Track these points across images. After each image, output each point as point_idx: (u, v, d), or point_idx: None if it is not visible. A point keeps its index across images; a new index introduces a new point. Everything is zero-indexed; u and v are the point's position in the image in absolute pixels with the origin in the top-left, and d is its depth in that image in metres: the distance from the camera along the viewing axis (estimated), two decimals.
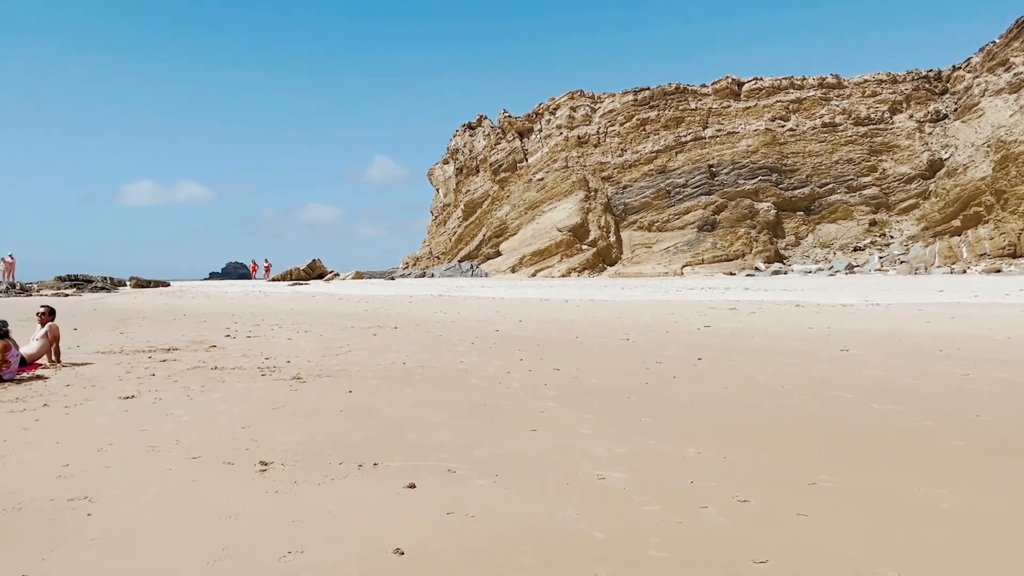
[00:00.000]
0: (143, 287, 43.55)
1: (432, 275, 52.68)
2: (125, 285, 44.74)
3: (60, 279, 43.96)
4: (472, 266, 53.78)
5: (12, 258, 46.03)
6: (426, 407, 7.57)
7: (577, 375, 9.59)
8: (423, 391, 8.56)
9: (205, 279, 57.63)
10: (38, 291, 39.85)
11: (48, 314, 11.35)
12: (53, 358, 11.11)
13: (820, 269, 40.48)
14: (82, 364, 11.21)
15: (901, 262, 38.69)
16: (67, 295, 37.23)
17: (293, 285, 41.63)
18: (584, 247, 50.51)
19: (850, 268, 39.11)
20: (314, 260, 52.30)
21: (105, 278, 45.37)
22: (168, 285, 45.77)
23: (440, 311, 22.30)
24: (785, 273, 41.26)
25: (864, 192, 50.04)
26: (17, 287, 40.95)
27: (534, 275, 50.17)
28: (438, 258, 61.40)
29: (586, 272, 49.34)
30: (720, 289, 29.20)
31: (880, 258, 40.53)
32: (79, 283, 43.16)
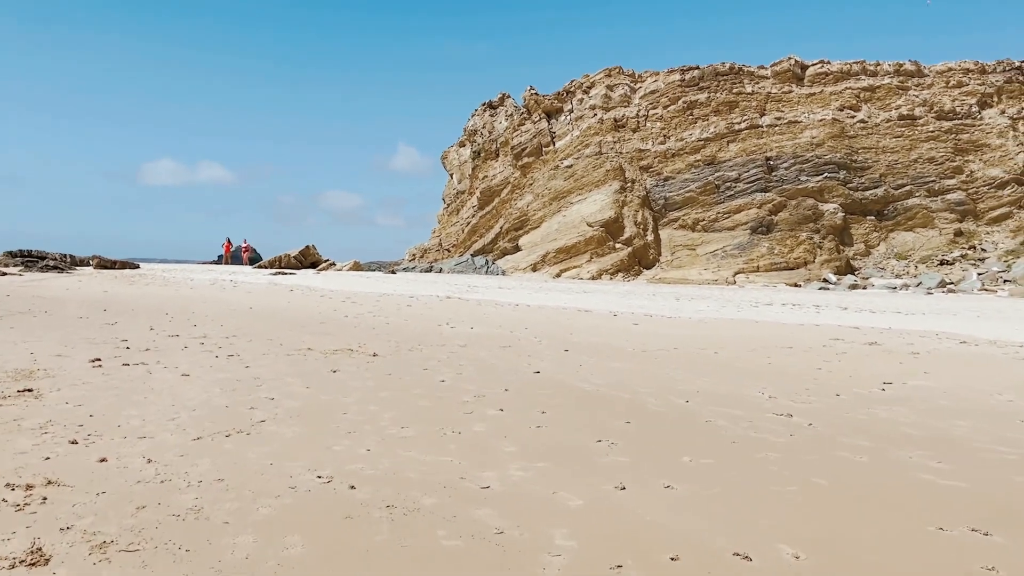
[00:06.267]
0: (106, 268, 37.42)
1: (440, 269, 46.30)
2: (88, 265, 38.77)
3: (10, 254, 37.87)
4: (487, 261, 47.28)
5: None
6: None
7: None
8: None
9: (214, 261, 52.41)
10: None
11: None
12: None
13: (906, 285, 33.79)
14: None
15: (1006, 280, 32.12)
16: (4, 274, 31.23)
17: (276, 274, 35.31)
18: (618, 246, 43.79)
19: (943, 285, 32.47)
20: (308, 247, 45.95)
21: (64, 256, 39.39)
22: (137, 267, 39.64)
23: (447, 323, 16.02)
24: (864, 288, 34.59)
25: (948, 197, 42.98)
26: None
27: (559, 275, 43.66)
28: (448, 251, 54.85)
29: (619, 275, 42.74)
30: (807, 307, 22.79)
31: (979, 275, 33.85)
32: (31, 260, 37.11)
